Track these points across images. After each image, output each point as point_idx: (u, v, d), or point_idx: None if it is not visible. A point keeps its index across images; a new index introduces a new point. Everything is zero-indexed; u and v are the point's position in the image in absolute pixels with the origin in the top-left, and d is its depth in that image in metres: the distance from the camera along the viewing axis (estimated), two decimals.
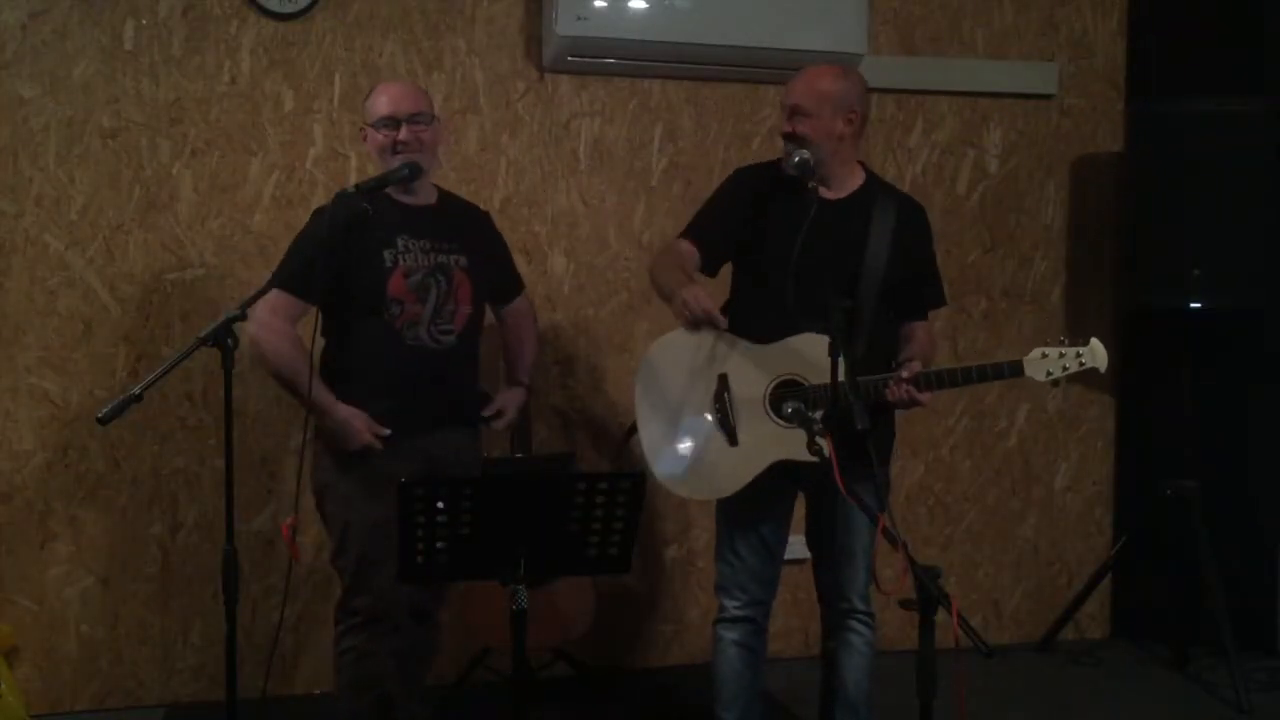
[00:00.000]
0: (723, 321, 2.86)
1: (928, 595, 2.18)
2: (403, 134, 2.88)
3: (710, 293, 2.85)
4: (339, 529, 2.91)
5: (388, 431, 2.86)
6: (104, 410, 2.40)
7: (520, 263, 3.93)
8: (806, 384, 2.79)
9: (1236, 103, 3.95)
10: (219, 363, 2.52)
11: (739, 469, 2.84)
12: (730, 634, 3.03)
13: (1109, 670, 4.20)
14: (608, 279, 4.04)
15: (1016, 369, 2.77)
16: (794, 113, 2.86)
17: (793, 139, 2.86)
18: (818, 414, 2.50)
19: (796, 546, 4.21)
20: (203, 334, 2.50)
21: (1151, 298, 4.08)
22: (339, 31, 3.76)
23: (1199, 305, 3.95)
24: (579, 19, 3.66)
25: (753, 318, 2.91)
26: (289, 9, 3.70)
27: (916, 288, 2.97)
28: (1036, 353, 2.77)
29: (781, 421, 2.78)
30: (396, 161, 2.87)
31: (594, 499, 2.29)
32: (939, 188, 4.29)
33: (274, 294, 2.79)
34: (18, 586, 3.60)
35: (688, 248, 2.97)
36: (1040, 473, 4.46)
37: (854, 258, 2.85)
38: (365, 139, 2.98)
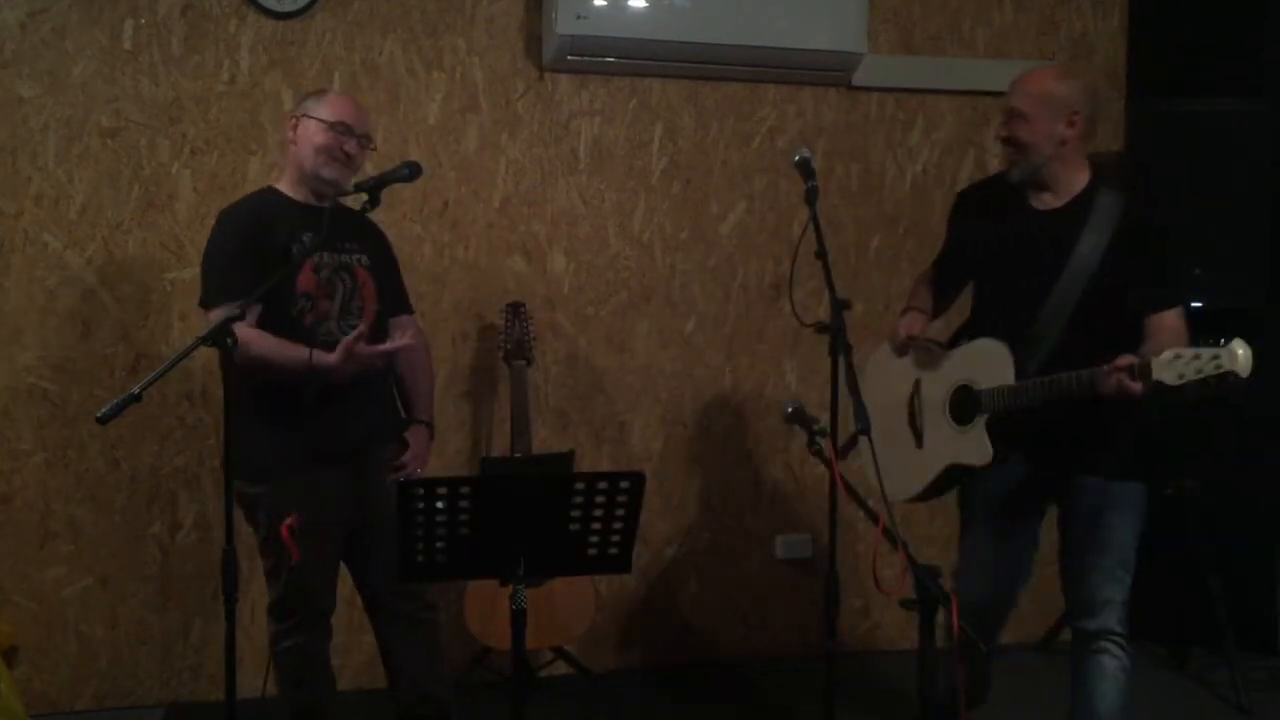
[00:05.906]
0: (919, 345, 2.96)
1: (928, 595, 2.18)
2: (351, 146, 2.92)
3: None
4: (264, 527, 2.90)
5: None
6: (103, 410, 2.39)
7: (520, 262, 3.94)
8: (977, 388, 2.76)
9: (1236, 103, 3.95)
10: (218, 362, 2.52)
11: (920, 471, 2.86)
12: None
13: None
14: (608, 279, 4.04)
15: (1145, 371, 2.50)
16: (1011, 116, 2.77)
17: (1009, 143, 2.79)
18: (821, 420, 2.55)
19: (798, 547, 4.24)
20: (202, 334, 2.49)
21: None
22: (338, 30, 3.76)
23: (1199, 305, 3.94)
24: (579, 18, 3.67)
25: (975, 325, 2.94)
26: (288, 8, 3.70)
27: (1138, 290, 2.74)
28: (1169, 354, 2.48)
29: (957, 426, 2.81)
30: (326, 162, 2.89)
31: (594, 499, 2.29)
32: (939, 187, 4.28)
33: (253, 310, 2.73)
34: (17, 586, 3.60)
35: (932, 274, 3.14)
36: None
37: (1054, 267, 2.74)
38: (295, 127, 2.93)
